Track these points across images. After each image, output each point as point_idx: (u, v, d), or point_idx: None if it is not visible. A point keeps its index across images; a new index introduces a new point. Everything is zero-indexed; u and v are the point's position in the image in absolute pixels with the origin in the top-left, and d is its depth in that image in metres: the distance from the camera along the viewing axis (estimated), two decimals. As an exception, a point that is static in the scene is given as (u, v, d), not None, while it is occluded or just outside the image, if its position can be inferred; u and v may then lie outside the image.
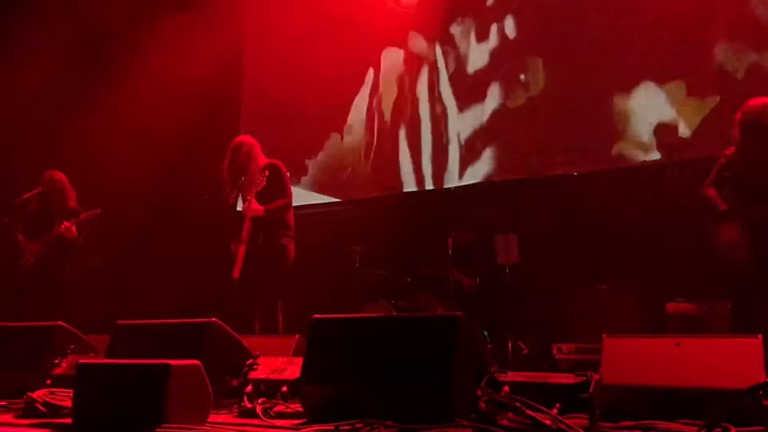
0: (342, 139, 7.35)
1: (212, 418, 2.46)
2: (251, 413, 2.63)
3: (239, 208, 5.12)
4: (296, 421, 2.46)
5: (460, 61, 6.73)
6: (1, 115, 7.08)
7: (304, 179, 7.40)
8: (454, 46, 6.78)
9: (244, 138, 5.27)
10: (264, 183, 4.85)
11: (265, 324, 4.87)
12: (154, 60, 7.22)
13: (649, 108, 5.73)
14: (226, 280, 5.04)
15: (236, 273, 4.85)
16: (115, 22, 7.57)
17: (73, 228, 5.67)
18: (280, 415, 2.62)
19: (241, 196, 5.01)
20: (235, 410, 2.74)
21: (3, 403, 3.01)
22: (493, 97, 6.50)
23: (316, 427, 2.24)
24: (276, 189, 4.96)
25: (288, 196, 5.06)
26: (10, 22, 7.52)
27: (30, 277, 5.77)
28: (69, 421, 2.47)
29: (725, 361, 2.35)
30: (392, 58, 7.12)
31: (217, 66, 7.38)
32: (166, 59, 7.19)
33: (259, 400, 2.70)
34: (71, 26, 7.34)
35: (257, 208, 4.85)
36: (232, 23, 7.99)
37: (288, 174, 5.16)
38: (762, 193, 3.96)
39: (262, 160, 5.12)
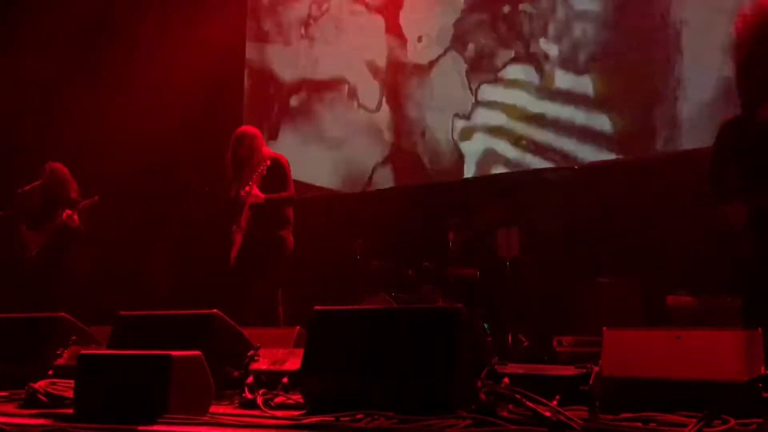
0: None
1: (213, 408, 2.47)
2: (252, 404, 2.63)
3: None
4: (297, 412, 2.46)
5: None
6: (1, 106, 7.09)
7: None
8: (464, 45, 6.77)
9: (248, 129, 5.24)
10: (265, 171, 4.82)
11: (265, 315, 4.88)
12: (156, 49, 7.22)
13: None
14: (226, 270, 5.06)
15: (232, 257, 4.88)
16: (116, 11, 7.56)
17: (75, 216, 5.68)
18: (281, 406, 2.63)
19: (242, 185, 4.99)
20: (236, 401, 2.74)
21: (5, 394, 3.02)
22: (496, 91, 6.49)
23: (317, 418, 2.24)
24: (278, 183, 4.95)
25: (291, 190, 5.05)
26: (10, 12, 7.51)
27: (34, 269, 5.77)
28: (71, 411, 2.48)
29: (726, 353, 2.35)
30: (400, 51, 7.10)
31: (218, 53, 7.38)
32: (168, 48, 7.19)
33: (260, 392, 2.71)
34: (71, 15, 7.33)
35: (258, 194, 4.83)
36: (235, 9, 7.98)
37: (290, 169, 5.14)
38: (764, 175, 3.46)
39: (266, 151, 5.11)
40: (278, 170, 4.96)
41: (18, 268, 5.89)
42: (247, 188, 4.83)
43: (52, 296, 5.48)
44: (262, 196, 4.84)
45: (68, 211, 5.69)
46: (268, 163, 4.87)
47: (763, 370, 2.22)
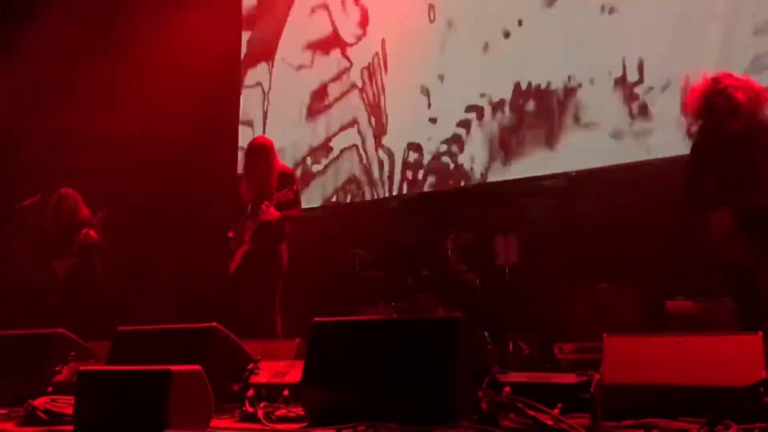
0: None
1: (214, 422, 2.47)
2: (253, 418, 2.63)
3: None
4: (298, 425, 2.46)
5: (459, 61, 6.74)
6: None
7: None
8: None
9: (263, 141, 5.19)
10: (291, 196, 4.85)
11: (263, 327, 4.88)
12: (153, 59, 7.24)
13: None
14: (224, 283, 5.07)
15: (231, 269, 4.92)
16: (114, 25, 7.59)
17: (92, 232, 5.82)
18: (282, 419, 2.62)
19: (259, 198, 4.97)
20: (237, 415, 2.74)
21: (4, 411, 3.01)
22: (491, 96, 6.50)
23: (318, 431, 2.24)
24: (289, 201, 4.99)
25: (299, 208, 5.10)
26: (7, 23, 7.54)
27: (67, 287, 5.88)
28: (70, 428, 2.48)
29: (726, 358, 2.35)
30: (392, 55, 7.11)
31: (215, 69, 7.41)
32: (166, 59, 7.22)
33: (261, 405, 2.70)
34: (69, 27, 7.35)
35: (274, 213, 4.85)
36: (232, 20, 8.01)
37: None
38: (742, 179, 3.74)
39: (278, 163, 5.14)
40: (289, 186, 4.97)
41: (53, 290, 5.96)
42: (264, 206, 4.84)
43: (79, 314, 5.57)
44: (278, 214, 4.87)
45: (84, 230, 5.80)
46: (295, 187, 4.89)
47: (764, 374, 2.22)
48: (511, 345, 5.54)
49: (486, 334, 5.64)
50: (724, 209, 3.75)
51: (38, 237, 6.20)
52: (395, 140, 6.96)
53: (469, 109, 6.52)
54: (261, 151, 5.06)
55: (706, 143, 3.88)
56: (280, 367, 2.95)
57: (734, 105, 3.72)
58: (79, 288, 5.88)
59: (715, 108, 3.78)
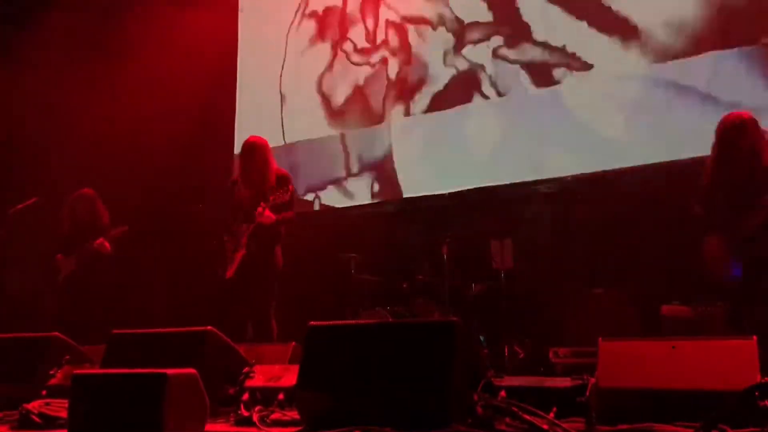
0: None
1: (209, 426, 2.46)
2: (248, 421, 2.63)
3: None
4: (293, 429, 2.45)
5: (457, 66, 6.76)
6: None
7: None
8: (451, 50, 6.81)
9: (258, 141, 5.15)
10: (287, 198, 4.87)
11: (259, 330, 4.88)
12: (146, 65, 7.24)
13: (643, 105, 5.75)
14: (220, 286, 5.06)
15: (230, 273, 4.90)
16: (112, 31, 7.60)
17: (107, 244, 5.77)
18: (277, 423, 2.62)
19: (254, 200, 4.95)
20: (232, 418, 2.73)
21: (-1, 415, 3.00)
22: (487, 100, 6.52)
23: (313, 435, 2.23)
24: (284, 203, 4.99)
25: (294, 212, 5.09)
26: (8, 29, 7.55)
27: (66, 291, 5.84)
28: (65, 432, 2.47)
29: (721, 362, 2.36)
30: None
31: (211, 72, 7.41)
32: (161, 63, 7.22)
33: (256, 408, 2.70)
34: (68, 33, 7.35)
35: (270, 216, 4.85)
36: (227, 24, 8.02)
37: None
38: (744, 205, 4.09)
39: (274, 165, 5.13)
40: (284, 187, 4.96)
41: (54, 292, 5.94)
42: (260, 209, 4.83)
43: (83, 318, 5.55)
44: (273, 217, 4.86)
45: (100, 240, 5.76)
46: (291, 187, 4.91)
47: (759, 378, 2.22)
48: (506, 349, 5.55)
49: (481, 338, 5.64)
50: (716, 233, 4.16)
51: (36, 241, 6.15)
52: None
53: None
54: (256, 149, 5.02)
55: (719, 162, 4.26)
56: (275, 371, 2.95)
57: (743, 124, 4.20)
58: (77, 293, 5.82)
59: (727, 126, 4.23)
